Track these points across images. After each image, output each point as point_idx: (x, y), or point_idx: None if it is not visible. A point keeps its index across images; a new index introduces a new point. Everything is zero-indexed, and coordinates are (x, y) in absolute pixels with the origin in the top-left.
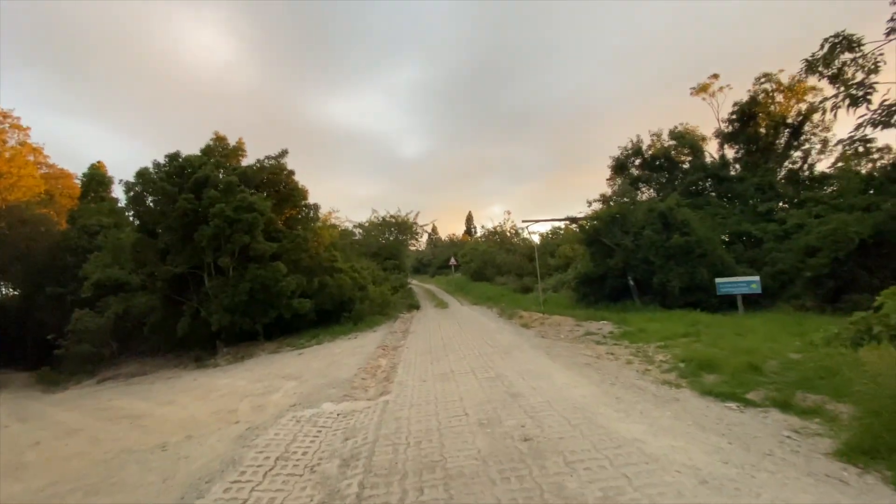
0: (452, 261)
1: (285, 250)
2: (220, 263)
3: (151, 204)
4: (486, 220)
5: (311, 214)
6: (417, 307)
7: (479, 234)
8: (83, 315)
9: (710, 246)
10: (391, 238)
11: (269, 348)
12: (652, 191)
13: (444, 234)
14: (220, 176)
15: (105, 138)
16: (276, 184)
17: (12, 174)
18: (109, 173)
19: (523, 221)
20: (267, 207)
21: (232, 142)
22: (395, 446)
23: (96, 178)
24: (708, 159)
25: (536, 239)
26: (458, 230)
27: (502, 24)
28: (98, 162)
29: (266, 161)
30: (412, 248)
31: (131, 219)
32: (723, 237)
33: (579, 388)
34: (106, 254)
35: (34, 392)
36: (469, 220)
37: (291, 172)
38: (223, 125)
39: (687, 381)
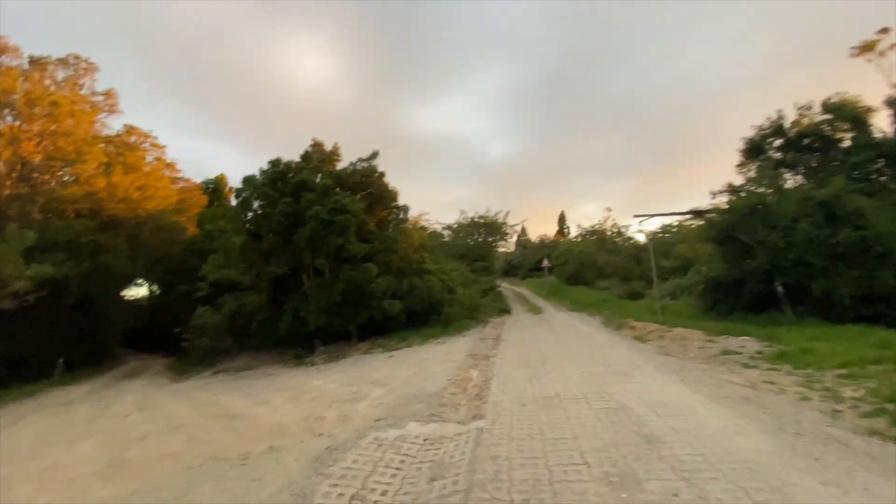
0: (545, 262)
1: (376, 252)
2: (317, 265)
3: (257, 208)
4: (582, 219)
5: (402, 216)
6: (508, 311)
7: (573, 234)
8: (203, 312)
9: (895, 243)
10: (480, 239)
11: (362, 349)
12: (799, 177)
13: (534, 236)
14: (317, 180)
15: (229, 155)
16: (367, 186)
17: (150, 186)
18: (230, 184)
19: (635, 216)
20: (359, 209)
21: (328, 147)
22: (499, 502)
23: (217, 188)
24: (877, 134)
25: (643, 238)
26: (550, 230)
27: (595, 13)
28: (221, 174)
29: (358, 163)
30: (501, 250)
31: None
32: None
33: (745, 435)
34: (220, 256)
35: (163, 380)
36: (561, 219)
37: (382, 174)
38: (325, 137)
39: None
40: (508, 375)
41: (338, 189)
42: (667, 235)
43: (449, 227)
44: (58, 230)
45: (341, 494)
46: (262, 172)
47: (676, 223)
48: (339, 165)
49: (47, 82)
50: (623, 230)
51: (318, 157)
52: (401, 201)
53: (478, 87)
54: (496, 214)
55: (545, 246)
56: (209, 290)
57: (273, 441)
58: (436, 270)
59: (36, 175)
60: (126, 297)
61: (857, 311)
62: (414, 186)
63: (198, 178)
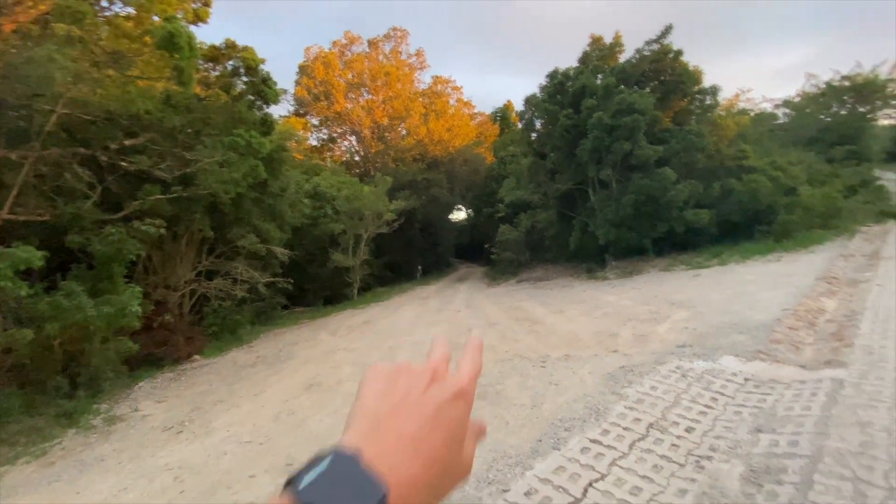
0: None
1: (674, 153)
2: (602, 176)
3: (540, 127)
4: None
5: (708, 102)
6: None
7: None
8: (505, 229)
9: None
10: (843, 112)
11: (660, 265)
12: None
13: None
14: (598, 82)
15: (513, 84)
16: (659, 73)
17: (455, 126)
18: (517, 109)
19: None
20: (649, 105)
21: (609, 39)
22: (867, 485)
23: (504, 115)
24: None
25: None
26: None
27: None
28: (508, 101)
29: (645, 48)
30: (885, 123)
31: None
32: None
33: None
34: (512, 179)
35: (481, 284)
36: None
37: (678, 53)
38: (604, 27)
39: None
40: (894, 310)
41: (621, 87)
42: None
43: (786, 104)
44: (403, 173)
45: (637, 420)
46: (542, 88)
47: None
48: (623, 57)
49: (380, 58)
50: None
51: (596, 54)
52: (707, 82)
53: None
54: (874, 69)
55: None
56: (506, 210)
57: (569, 350)
58: (763, 166)
59: (385, 134)
60: (452, 220)
61: None
62: (728, 58)
63: (489, 111)
